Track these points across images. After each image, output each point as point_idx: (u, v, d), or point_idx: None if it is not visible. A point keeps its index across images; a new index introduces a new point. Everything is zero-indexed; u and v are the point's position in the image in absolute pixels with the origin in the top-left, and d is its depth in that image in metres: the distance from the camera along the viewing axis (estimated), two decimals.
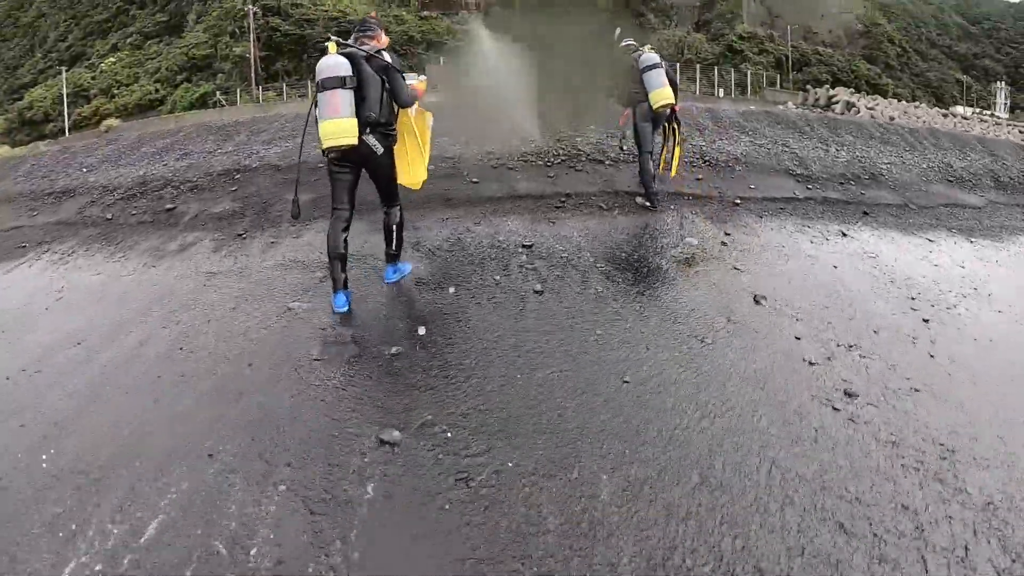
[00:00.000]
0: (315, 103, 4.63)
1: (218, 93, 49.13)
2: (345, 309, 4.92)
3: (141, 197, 9.52)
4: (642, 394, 4.02)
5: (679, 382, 4.18)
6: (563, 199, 7.57)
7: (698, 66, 50.74)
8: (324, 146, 4.52)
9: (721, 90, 50.23)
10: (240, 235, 7.35)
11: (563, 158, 8.61)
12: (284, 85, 48.79)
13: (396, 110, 4.88)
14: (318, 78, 4.49)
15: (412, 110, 5.01)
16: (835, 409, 4.16)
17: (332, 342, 4.60)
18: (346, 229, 4.93)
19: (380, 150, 4.75)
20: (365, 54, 4.63)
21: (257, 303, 5.43)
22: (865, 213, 8.85)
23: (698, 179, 8.72)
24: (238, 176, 9.14)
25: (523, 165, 8.33)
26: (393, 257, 5.32)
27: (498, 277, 5.60)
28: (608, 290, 5.43)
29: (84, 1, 67.39)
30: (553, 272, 5.70)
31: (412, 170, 5.19)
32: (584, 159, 8.69)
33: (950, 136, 15.05)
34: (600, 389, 4.04)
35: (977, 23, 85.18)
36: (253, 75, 49.93)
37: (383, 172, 4.95)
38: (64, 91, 53.84)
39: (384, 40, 4.95)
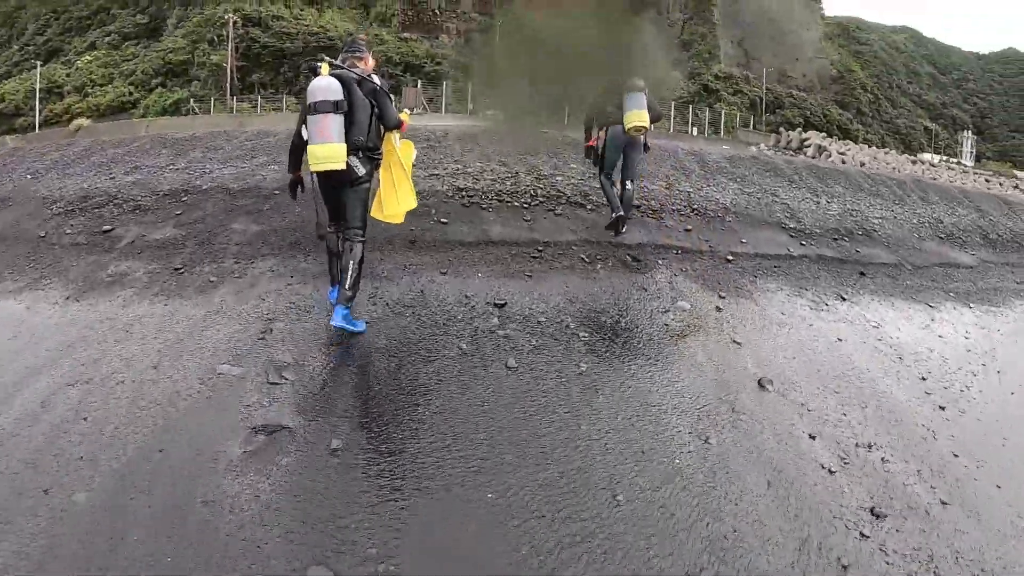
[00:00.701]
0: (303, 122, 4.61)
1: (192, 101, 47.94)
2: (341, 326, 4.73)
3: (80, 214, 8.51)
4: (640, 518, 3.21)
5: (682, 503, 3.38)
6: (541, 248, 6.77)
7: (673, 103, 50.84)
8: (312, 169, 4.48)
9: (695, 128, 50.35)
10: (178, 269, 6.43)
11: (541, 199, 7.83)
12: (259, 97, 47.70)
13: (382, 134, 4.85)
14: (309, 100, 4.46)
15: (397, 139, 4.93)
16: (863, 536, 3.46)
17: (261, 426, 3.72)
18: (338, 235, 4.95)
19: (361, 172, 4.67)
20: (357, 77, 4.62)
21: (182, 363, 4.53)
22: (862, 274, 8.23)
23: (687, 230, 8.00)
24: (185, 198, 8.19)
25: (498, 205, 7.52)
26: (347, 299, 4.68)
27: (465, 345, 4.75)
28: (593, 369, 4.61)
29: None
30: (529, 341, 4.87)
31: (401, 199, 5.05)
32: (564, 202, 7.92)
33: (936, 189, 14.66)
34: (587, 509, 3.22)
35: (947, 73, 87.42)
36: (228, 85, 48.75)
37: (358, 196, 4.78)
38: (37, 86, 52.25)
39: (371, 63, 4.96)
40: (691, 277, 6.77)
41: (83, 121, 47.53)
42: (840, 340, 5.98)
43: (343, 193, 4.77)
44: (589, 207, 7.95)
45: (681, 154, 10.66)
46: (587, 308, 5.61)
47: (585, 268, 6.47)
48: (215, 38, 51.10)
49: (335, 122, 4.42)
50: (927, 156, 60.21)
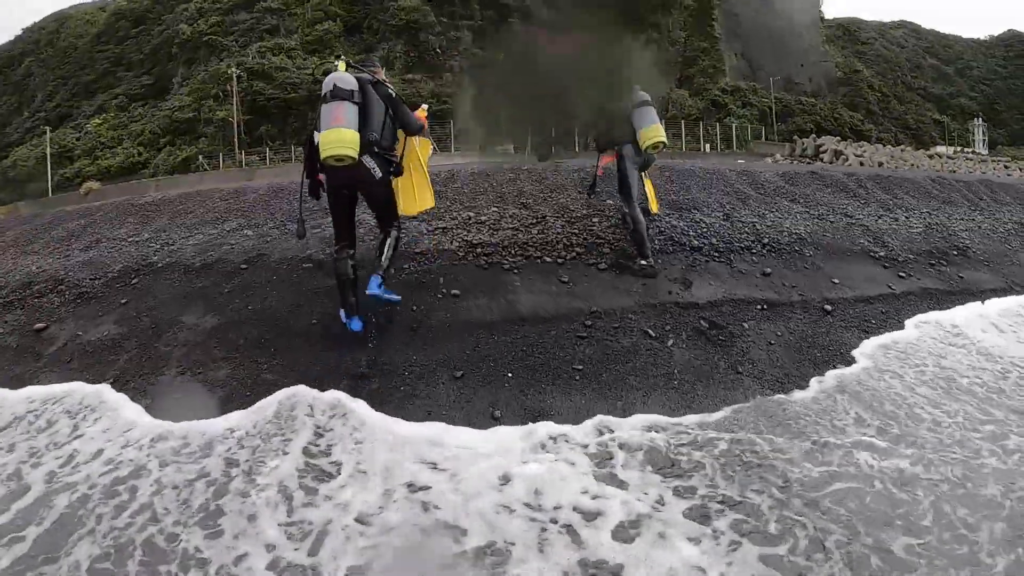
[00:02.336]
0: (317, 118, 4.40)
1: (200, 157, 46.84)
2: (360, 329, 4.73)
3: (18, 306, 6.84)
4: None
5: None
6: (589, 323, 4.96)
7: (683, 122, 49.14)
8: (323, 156, 4.27)
9: (707, 145, 48.59)
10: (110, 380, 4.72)
11: (578, 250, 6.01)
12: (268, 150, 46.53)
13: (401, 139, 4.79)
14: (325, 89, 4.35)
15: (416, 139, 4.92)
16: None
17: None
18: (352, 257, 4.72)
19: (378, 174, 4.54)
20: (372, 79, 4.56)
21: None
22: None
23: (765, 274, 6.16)
24: (136, 280, 6.48)
25: (524, 263, 5.71)
26: (383, 269, 4.67)
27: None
28: None
29: (72, 61, 65.74)
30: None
31: (419, 196, 5.08)
32: (608, 249, 6.10)
33: (1004, 187, 12.66)
34: None
35: (950, 63, 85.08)
36: (236, 139, 47.66)
37: (380, 197, 4.72)
38: (48, 151, 51.60)
39: (383, 77, 4.78)
40: (791, 346, 4.94)
41: (93, 184, 46.54)
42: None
43: (365, 197, 4.72)
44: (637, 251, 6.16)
45: (730, 175, 8.84)
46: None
47: (655, 351, 4.65)
48: (220, 93, 50.08)
49: (350, 110, 4.26)
50: (941, 149, 58.13)
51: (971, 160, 50.17)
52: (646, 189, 6.60)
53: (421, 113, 4.93)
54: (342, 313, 4.76)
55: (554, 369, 4.39)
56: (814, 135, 49.08)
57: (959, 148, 62.47)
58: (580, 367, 4.41)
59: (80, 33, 67.95)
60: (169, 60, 58.91)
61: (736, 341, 4.93)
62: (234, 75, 48.96)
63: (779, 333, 5.16)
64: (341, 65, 4.44)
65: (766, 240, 6.85)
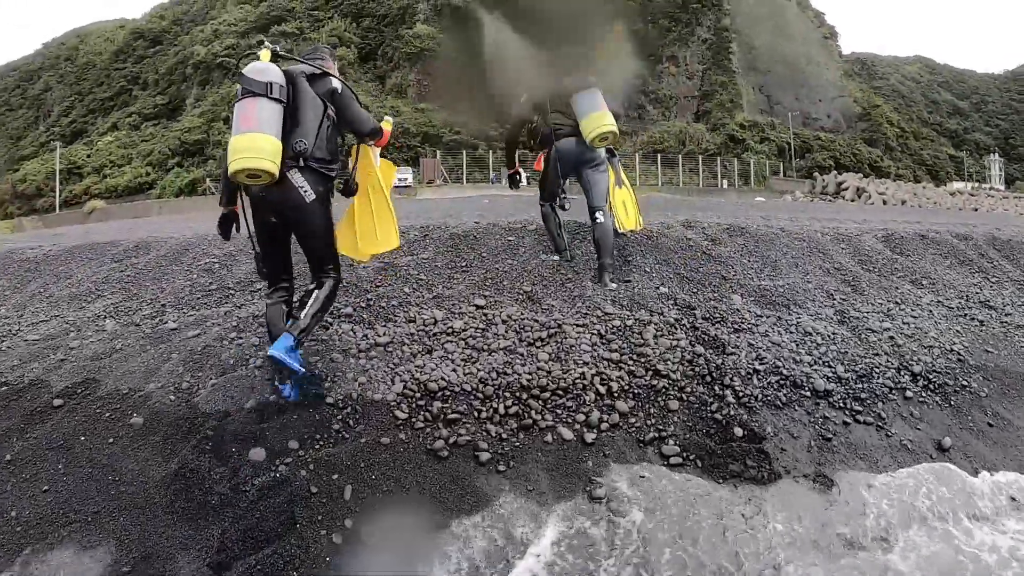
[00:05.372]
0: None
1: (208, 180, 44.56)
2: (296, 399, 3.26)
3: None
4: None
5: None
6: None
7: (700, 157, 46.58)
8: (231, 169, 3.04)
9: (724, 181, 46.00)
10: None
11: (633, 395, 3.32)
12: None
13: (347, 151, 3.67)
14: (237, 86, 3.24)
15: (376, 156, 3.71)
16: None
17: None
18: (286, 303, 3.44)
19: (310, 196, 3.23)
20: (308, 71, 3.37)
21: None
22: None
23: (942, 448, 3.43)
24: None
25: (519, 444, 3.00)
26: (300, 330, 3.22)
27: None
28: None
29: (89, 78, 64.34)
30: None
31: (380, 231, 3.71)
32: (678, 395, 3.40)
33: None
34: None
35: (965, 98, 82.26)
36: None
37: (311, 228, 3.33)
38: (57, 167, 49.71)
39: (335, 71, 3.54)
40: None
41: (97, 203, 44.64)
42: None
43: (294, 229, 3.36)
44: (752, 416, 3.43)
45: (823, 240, 6.10)
46: None
47: None
48: (230, 116, 48.00)
49: (266, 109, 3.08)
50: (958, 185, 55.35)
51: (993, 197, 47.38)
52: (615, 201, 5.45)
53: (386, 125, 3.71)
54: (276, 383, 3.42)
55: None
56: (835, 172, 46.40)
57: (976, 184, 59.69)
58: None
59: (99, 50, 66.65)
60: (183, 81, 57.34)
61: None
62: None
63: None
64: (264, 54, 3.26)
65: (917, 368, 4.10)
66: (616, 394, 3.35)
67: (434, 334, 3.84)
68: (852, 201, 40.03)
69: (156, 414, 3.30)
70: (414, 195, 32.89)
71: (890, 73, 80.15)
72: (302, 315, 3.30)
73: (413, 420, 3.05)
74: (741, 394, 3.54)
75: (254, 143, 3.05)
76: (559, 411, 3.19)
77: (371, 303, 4.21)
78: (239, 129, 3.11)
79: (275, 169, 3.06)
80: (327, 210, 3.40)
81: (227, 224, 3.51)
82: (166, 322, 4.50)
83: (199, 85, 55.47)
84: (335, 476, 2.77)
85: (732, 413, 3.40)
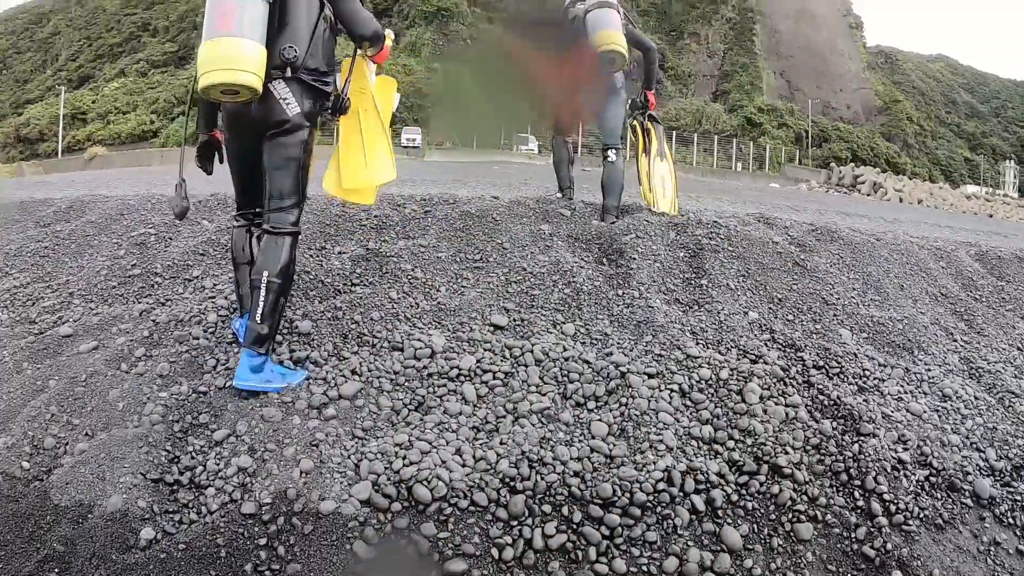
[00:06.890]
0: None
1: None
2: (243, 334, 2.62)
3: None
4: None
5: None
6: None
7: (716, 138, 44.87)
8: (201, 84, 2.25)
9: (739, 164, 44.42)
10: None
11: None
12: None
13: (335, 55, 2.69)
14: None
15: (372, 70, 2.84)
16: None
17: None
18: (250, 230, 2.75)
19: (294, 109, 2.46)
20: None
21: None
22: None
23: None
24: None
25: None
26: (257, 338, 2.41)
27: None
28: None
29: (99, 23, 62.39)
30: None
31: (371, 163, 2.79)
32: (823, 523, 2.11)
33: None
34: None
35: (985, 101, 79.94)
36: None
37: (286, 152, 2.50)
38: (61, 112, 48.05)
39: None
40: None
41: (98, 149, 43.25)
42: None
43: (259, 149, 2.51)
44: (911, 545, 2.13)
45: (923, 256, 4.73)
46: None
47: None
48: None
49: (249, 7, 2.27)
50: (971, 189, 53.74)
51: (1009, 204, 45.87)
52: (653, 176, 4.94)
53: (388, 39, 2.78)
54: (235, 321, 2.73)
55: None
56: (852, 164, 44.76)
57: (990, 189, 58.10)
58: None
59: None
60: (194, 29, 55.34)
61: None
62: None
63: None
64: None
65: None
66: (721, 510, 2.04)
67: (429, 376, 2.53)
68: (868, 196, 38.55)
69: None
70: (422, 157, 31.43)
71: (912, 69, 77.49)
72: (256, 314, 2.41)
73: (385, 560, 1.74)
74: (892, 506, 2.23)
75: (230, 51, 2.27)
76: (635, 548, 1.88)
77: (340, 314, 2.89)
78: (214, 31, 2.30)
79: (259, 84, 2.31)
80: (310, 134, 2.57)
81: (208, 154, 2.79)
82: (65, 321, 3.19)
83: None
84: None
85: (886, 544, 2.10)
